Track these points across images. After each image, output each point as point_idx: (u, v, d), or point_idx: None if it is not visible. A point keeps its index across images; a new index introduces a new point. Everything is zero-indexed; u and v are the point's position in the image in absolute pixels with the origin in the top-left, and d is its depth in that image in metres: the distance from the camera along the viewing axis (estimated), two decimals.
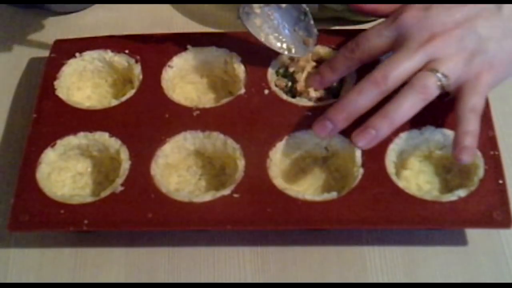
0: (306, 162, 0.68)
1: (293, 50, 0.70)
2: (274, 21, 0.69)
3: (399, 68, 0.62)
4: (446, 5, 0.64)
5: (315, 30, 0.70)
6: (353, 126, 0.66)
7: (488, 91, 0.63)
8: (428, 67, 0.62)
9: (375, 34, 0.66)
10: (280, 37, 0.69)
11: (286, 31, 0.70)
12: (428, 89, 0.61)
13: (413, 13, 0.64)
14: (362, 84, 0.63)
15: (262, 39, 0.69)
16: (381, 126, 0.61)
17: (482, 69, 0.62)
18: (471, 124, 0.60)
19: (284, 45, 0.70)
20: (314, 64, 0.71)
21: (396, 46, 0.64)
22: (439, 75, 0.61)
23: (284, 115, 0.68)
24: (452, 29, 0.62)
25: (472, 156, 0.60)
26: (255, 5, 0.68)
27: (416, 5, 0.65)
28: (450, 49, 0.62)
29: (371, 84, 0.62)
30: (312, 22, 0.69)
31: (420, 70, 0.62)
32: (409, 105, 0.61)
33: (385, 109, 0.62)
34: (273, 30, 0.69)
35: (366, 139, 0.61)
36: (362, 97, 0.62)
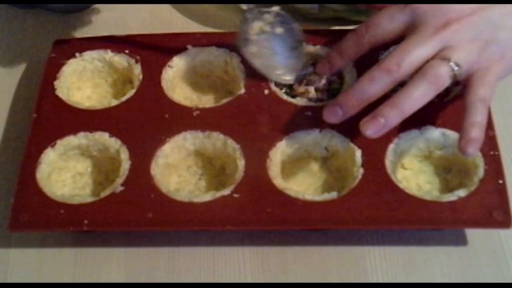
0: (306, 162, 0.68)
1: (285, 77, 0.70)
2: (269, 48, 0.69)
3: (413, 55, 0.60)
4: None
5: (304, 59, 0.70)
6: (353, 125, 0.66)
7: (498, 82, 0.62)
8: (441, 55, 0.60)
9: (387, 18, 0.64)
10: (274, 64, 0.69)
11: (279, 58, 0.70)
12: (440, 79, 0.60)
13: None
14: (374, 71, 0.61)
15: (257, 66, 0.69)
16: (391, 115, 0.60)
17: (493, 60, 0.61)
18: (479, 115, 0.59)
19: (278, 71, 0.69)
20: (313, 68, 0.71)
21: (409, 31, 0.62)
22: (452, 64, 0.60)
23: (284, 115, 0.68)
24: (468, 16, 0.61)
25: (478, 148, 0.59)
26: (252, 32, 0.69)
27: None
28: (465, 36, 0.61)
29: (384, 72, 0.60)
30: (304, 51, 0.70)
31: (433, 57, 0.61)
32: (420, 95, 0.60)
33: (395, 97, 0.60)
34: (268, 57, 0.69)
35: (375, 127, 0.60)
36: (374, 85, 0.61)
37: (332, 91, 0.70)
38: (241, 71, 0.71)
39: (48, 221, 0.63)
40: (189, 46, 0.73)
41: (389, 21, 0.63)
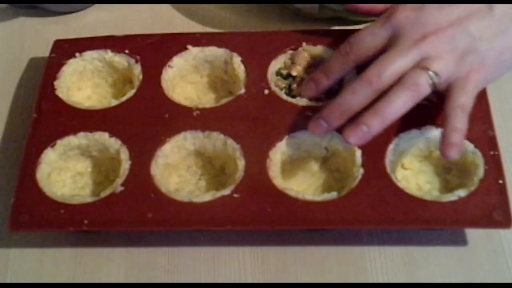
0: (306, 162, 0.68)
1: None
2: None
3: (393, 66, 0.62)
4: (439, 4, 0.64)
5: None
6: None
7: (477, 91, 0.63)
8: (420, 65, 0.62)
9: (369, 34, 0.66)
10: None
11: None
12: (419, 87, 0.61)
13: (406, 12, 0.64)
14: (356, 83, 0.63)
15: None
16: (372, 123, 0.61)
17: (472, 69, 0.62)
18: (459, 122, 0.61)
19: None
20: (313, 70, 0.71)
21: (389, 45, 0.64)
22: (430, 73, 0.61)
23: (284, 115, 0.68)
24: (445, 28, 0.63)
25: (459, 153, 0.60)
26: None
27: (409, 4, 0.65)
28: (442, 47, 0.62)
29: (365, 84, 0.62)
30: None
31: (412, 68, 0.62)
32: (400, 103, 0.61)
33: (377, 106, 0.62)
34: None
35: (357, 135, 0.61)
36: (356, 96, 0.62)
37: (332, 92, 0.70)
38: (241, 71, 0.71)
39: (48, 221, 0.63)
40: (189, 46, 0.73)
41: (371, 37, 0.65)
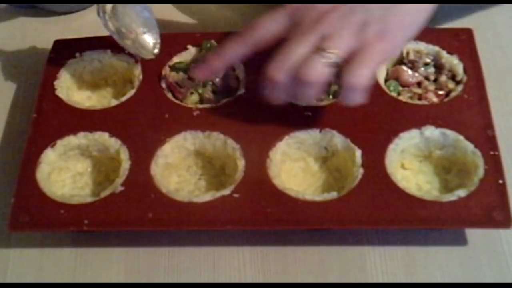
0: (306, 162, 0.68)
1: (140, 51, 0.69)
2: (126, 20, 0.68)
3: (292, 55, 0.61)
4: None
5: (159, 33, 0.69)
6: (353, 125, 0.66)
7: (384, 58, 0.63)
8: (318, 46, 0.61)
9: (269, 20, 0.64)
10: (131, 35, 0.68)
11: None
12: (316, 75, 0.60)
13: None
14: (264, 81, 0.62)
15: (115, 36, 0.68)
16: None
17: (373, 38, 0.61)
18: (348, 100, 0.61)
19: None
20: None
21: (289, 31, 0.63)
22: (327, 54, 0.60)
23: (284, 115, 0.68)
24: (339, 6, 0.62)
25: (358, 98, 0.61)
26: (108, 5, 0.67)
27: None
28: (338, 24, 0.61)
29: (269, 82, 0.62)
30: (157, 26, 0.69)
31: (311, 52, 0.61)
32: (305, 97, 0.62)
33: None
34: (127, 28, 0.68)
35: None
36: (270, 97, 0.63)
37: (332, 93, 0.70)
38: (240, 71, 0.71)
39: (48, 221, 0.63)
40: (189, 46, 0.73)
41: (271, 23, 0.64)
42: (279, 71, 0.61)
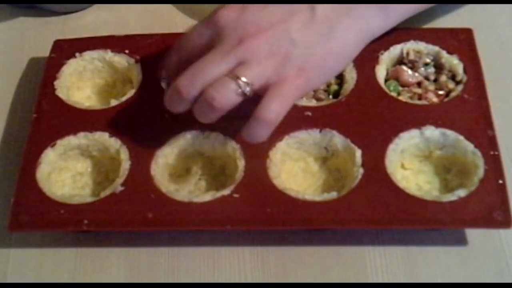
0: (306, 162, 0.68)
1: None
2: None
3: (205, 74, 0.60)
4: (262, 4, 0.62)
5: None
6: (353, 125, 0.66)
7: (297, 97, 0.62)
8: (233, 72, 0.59)
9: (195, 33, 0.63)
10: None
11: None
12: (220, 100, 0.59)
13: (229, 12, 0.62)
14: (170, 90, 0.61)
15: None
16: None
17: (292, 74, 0.60)
18: (256, 131, 0.60)
19: None
20: None
21: (211, 46, 0.62)
22: (240, 82, 0.59)
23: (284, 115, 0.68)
24: (265, 30, 0.61)
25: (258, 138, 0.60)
26: None
27: (235, 4, 0.63)
28: (260, 52, 0.60)
29: (175, 93, 0.60)
30: None
31: (227, 73, 0.60)
32: (202, 116, 0.61)
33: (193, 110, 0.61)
34: None
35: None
36: (171, 105, 0.62)
37: (332, 93, 0.70)
38: None
39: (48, 221, 0.63)
40: None
41: (197, 36, 0.63)
42: (190, 86, 0.60)
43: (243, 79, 0.59)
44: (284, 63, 0.60)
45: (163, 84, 0.66)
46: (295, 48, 0.61)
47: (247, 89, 0.59)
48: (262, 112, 0.59)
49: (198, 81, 0.60)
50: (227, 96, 0.59)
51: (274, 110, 0.60)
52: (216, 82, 0.59)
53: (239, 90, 0.59)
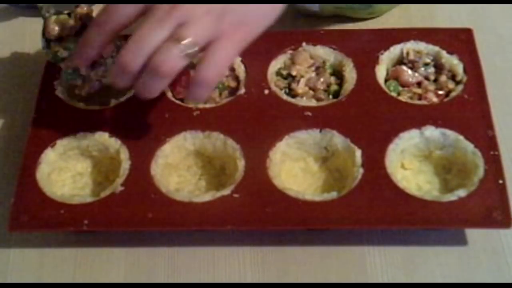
0: (306, 162, 0.68)
1: None
2: None
3: (147, 43, 0.58)
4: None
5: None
6: (353, 125, 0.66)
7: (240, 50, 0.61)
8: (175, 34, 0.58)
9: (120, 6, 0.61)
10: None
11: None
12: (168, 67, 0.58)
13: None
14: (115, 67, 0.60)
15: None
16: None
17: (233, 27, 0.59)
18: (196, 93, 0.60)
19: None
20: (313, 69, 0.71)
21: (145, 12, 0.60)
22: (182, 45, 0.58)
23: (284, 115, 0.68)
24: None
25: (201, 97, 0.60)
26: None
27: None
28: (196, 10, 0.58)
29: (120, 68, 0.59)
30: None
31: (168, 38, 0.58)
32: (152, 87, 0.59)
33: (135, 90, 0.60)
34: None
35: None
36: (116, 82, 0.60)
37: (332, 93, 0.70)
38: (241, 71, 0.71)
39: (48, 221, 0.63)
40: None
41: (125, 7, 0.61)
42: (133, 59, 0.58)
43: (186, 40, 0.58)
44: (222, 17, 0.59)
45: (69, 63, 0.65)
46: (229, 4, 0.59)
47: (192, 49, 0.58)
48: (204, 70, 0.59)
49: (141, 52, 0.58)
50: (173, 61, 0.58)
51: (215, 65, 0.59)
52: (159, 49, 0.58)
53: (184, 52, 0.58)
